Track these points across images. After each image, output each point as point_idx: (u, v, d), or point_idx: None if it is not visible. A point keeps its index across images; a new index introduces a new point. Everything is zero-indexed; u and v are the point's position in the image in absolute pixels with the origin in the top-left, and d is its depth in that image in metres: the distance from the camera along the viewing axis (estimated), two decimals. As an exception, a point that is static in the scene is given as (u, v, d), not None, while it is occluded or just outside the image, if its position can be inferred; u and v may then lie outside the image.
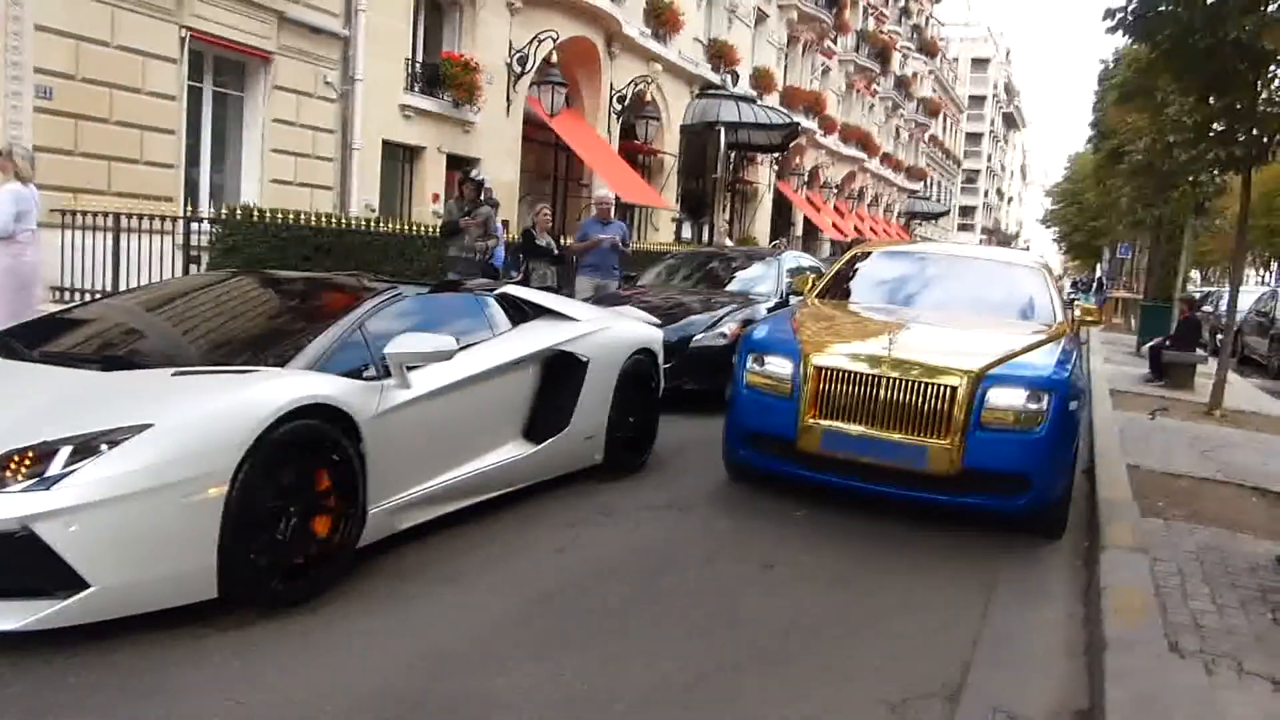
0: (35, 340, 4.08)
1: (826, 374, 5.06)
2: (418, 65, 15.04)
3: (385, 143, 14.30)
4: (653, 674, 3.15)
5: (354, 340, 4.06)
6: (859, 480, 5.00)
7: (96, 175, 10.19)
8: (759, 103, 24.36)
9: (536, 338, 5.16)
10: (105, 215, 9.61)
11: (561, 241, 11.21)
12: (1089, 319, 7.07)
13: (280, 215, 10.24)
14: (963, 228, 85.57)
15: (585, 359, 5.31)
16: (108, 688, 2.80)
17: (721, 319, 8.48)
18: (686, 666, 3.22)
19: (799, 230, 33.72)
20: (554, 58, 16.70)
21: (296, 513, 3.49)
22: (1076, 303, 14.57)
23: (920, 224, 51.83)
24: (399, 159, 15.07)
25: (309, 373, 3.73)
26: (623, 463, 5.71)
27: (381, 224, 11.91)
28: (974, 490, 4.84)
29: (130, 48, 10.38)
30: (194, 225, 10.14)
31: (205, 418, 3.23)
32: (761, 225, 29.25)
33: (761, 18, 28.02)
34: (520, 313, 5.35)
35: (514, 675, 3.06)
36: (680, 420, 7.49)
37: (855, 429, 4.94)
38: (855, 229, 35.27)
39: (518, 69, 16.61)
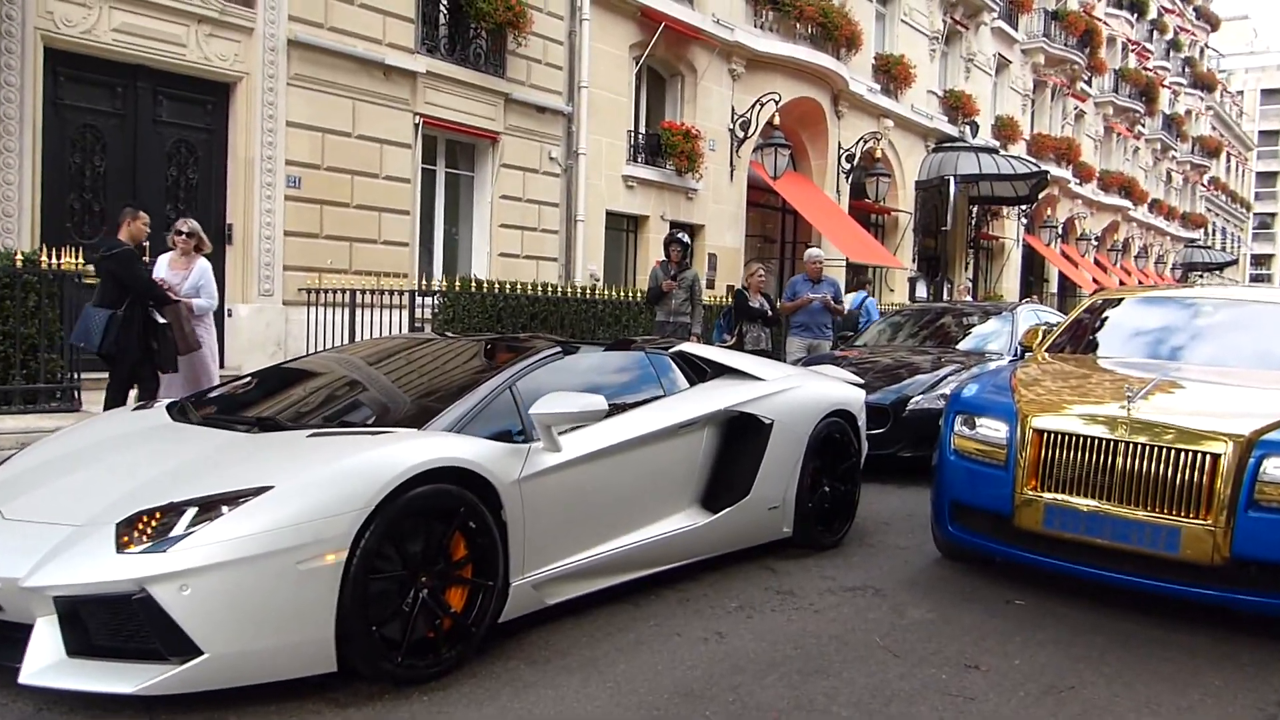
0: (206, 404, 4.19)
1: (1050, 439, 4.31)
2: (640, 136, 15.29)
3: (608, 213, 14.56)
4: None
5: (502, 401, 3.85)
6: (1091, 566, 4.18)
7: (339, 255, 10.95)
8: (1002, 153, 22.95)
9: (713, 398, 4.77)
10: (343, 292, 10.27)
11: (776, 303, 10.81)
12: None
13: (497, 285, 10.54)
14: (1256, 278, 76.58)
15: (768, 421, 4.85)
16: (201, 767, 2.65)
17: (944, 379, 7.72)
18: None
19: (1054, 287, 31.30)
20: (777, 120, 16.48)
21: (427, 584, 3.27)
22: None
23: (1201, 276, 46.79)
24: (622, 228, 15.30)
25: (445, 434, 3.54)
26: (815, 538, 5.16)
27: (598, 292, 12.02)
28: (1246, 585, 3.90)
29: (369, 136, 11.18)
30: (421, 298, 10.63)
31: (325, 480, 3.08)
32: (1010, 283, 27.36)
33: (1003, 65, 26.59)
34: (698, 371, 5.00)
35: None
36: (893, 490, 6.83)
37: (1086, 504, 4.16)
38: (1120, 284, 32.28)
39: (740, 134, 16.53)
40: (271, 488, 3.01)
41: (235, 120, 10.15)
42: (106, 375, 7.31)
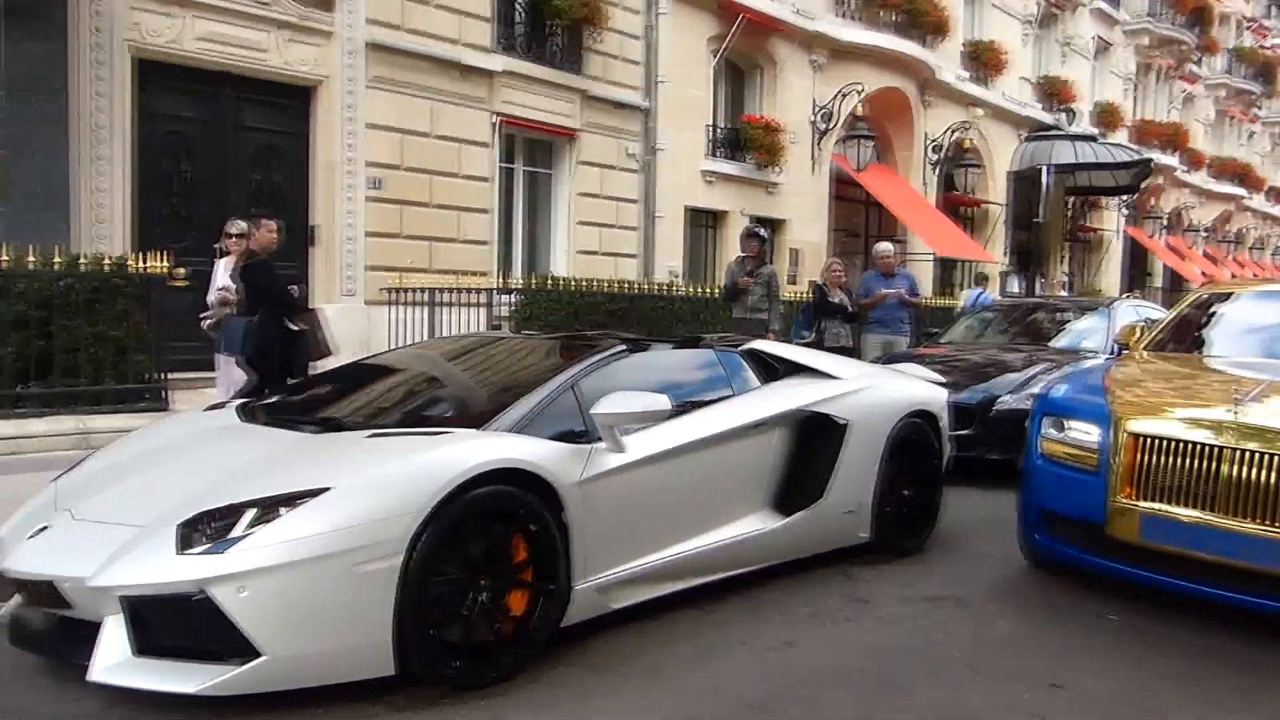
0: (275, 403, 4.22)
1: (1147, 443, 4.03)
2: (719, 130, 15.12)
3: (688, 209, 14.45)
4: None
5: (564, 401, 3.77)
6: (1191, 581, 3.89)
7: (419, 255, 11.08)
8: (1102, 140, 22.04)
9: (786, 397, 4.62)
10: (423, 291, 10.37)
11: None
12: None
13: (574, 283, 10.52)
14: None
15: (844, 421, 4.67)
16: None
17: (1034, 378, 7.37)
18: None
19: (1159, 281, 29.95)
20: (861, 111, 16.13)
21: (487, 587, 3.22)
22: None
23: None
24: (702, 224, 15.17)
25: (505, 435, 3.48)
26: (894, 543, 4.96)
27: (677, 289, 11.91)
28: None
29: (448, 136, 11.28)
30: (500, 296, 10.68)
31: (383, 482, 3.05)
32: (1110, 277, 26.29)
33: (1103, 47, 25.54)
34: (770, 370, 4.85)
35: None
36: (979, 494, 6.55)
37: (1188, 515, 3.87)
38: (1232, 278, 30.71)
39: (822, 126, 16.23)
40: (329, 489, 2.99)
41: (316, 123, 10.35)
42: (192, 375, 7.54)
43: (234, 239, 7.12)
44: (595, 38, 12.71)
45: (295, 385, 4.74)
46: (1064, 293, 20.13)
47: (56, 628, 3.08)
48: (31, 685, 3.10)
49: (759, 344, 5.02)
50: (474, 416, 3.68)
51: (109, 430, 6.32)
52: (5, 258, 6.75)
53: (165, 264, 7.51)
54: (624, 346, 4.22)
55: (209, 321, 7.09)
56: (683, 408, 4.21)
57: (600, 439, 3.67)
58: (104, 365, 7.09)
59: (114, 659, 2.83)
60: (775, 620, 3.98)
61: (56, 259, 6.94)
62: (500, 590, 3.26)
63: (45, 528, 3.18)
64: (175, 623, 2.85)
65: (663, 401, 3.68)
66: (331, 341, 7.04)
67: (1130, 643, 3.87)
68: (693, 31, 14.15)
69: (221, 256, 7.31)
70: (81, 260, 7.08)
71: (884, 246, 9.99)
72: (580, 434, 3.70)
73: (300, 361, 6.70)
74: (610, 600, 3.68)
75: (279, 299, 6.72)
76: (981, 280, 14.34)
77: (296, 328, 6.77)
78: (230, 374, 7.02)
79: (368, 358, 5.38)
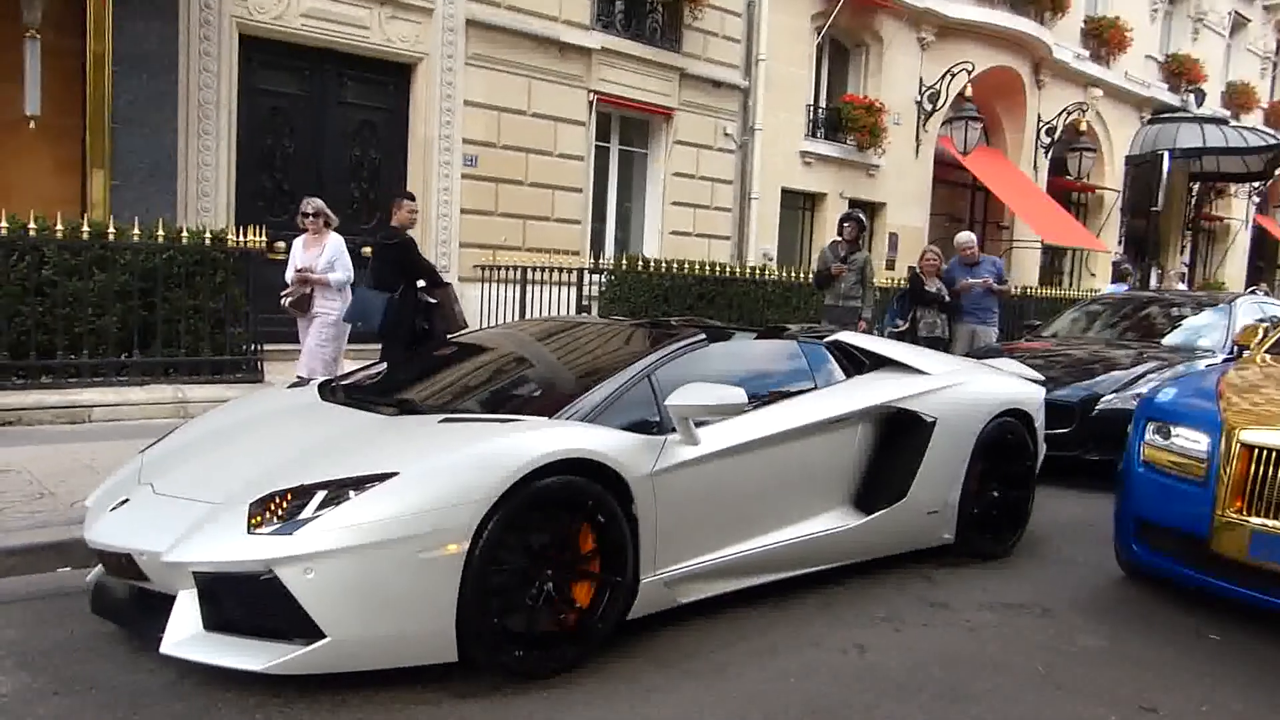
0: (356, 383, 4.27)
1: (1262, 455, 3.77)
2: (819, 111, 14.78)
3: (784, 191, 14.19)
4: None
5: (639, 390, 3.71)
6: (1302, 603, 3.63)
7: (512, 233, 11.15)
8: (1233, 123, 20.77)
9: (871, 392, 4.47)
10: (515, 269, 10.44)
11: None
12: None
13: (664, 265, 10.43)
14: None
15: (931, 419, 4.50)
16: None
17: (1141, 377, 7.01)
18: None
19: (1288, 273, 28.24)
20: (969, 91, 15.54)
21: (553, 577, 3.19)
22: None
23: None
24: (798, 206, 14.88)
25: (575, 424, 3.43)
26: (980, 546, 4.77)
27: (770, 273, 11.72)
28: None
29: (544, 114, 11.30)
30: (590, 276, 10.68)
31: (449, 469, 3.04)
32: (1233, 268, 24.87)
33: (1239, 24, 24.01)
34: (855, 363, 4.70)
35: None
36: (1076, 497, 6.29)
37: (1301, 532, 3.61)
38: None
39: (928, 107, 15.71)
40: (397, 474, 2.99)
41: (415, 100, 10.49)
42: (289, 347, 7.73)
43: (310, 218, 7.18)
44: (695, 14, 12.54)
45: (389, 365, 4.76)
46: (1181, 285, 19.12)
47: (134, 599, 3.17)
48: (109, 654, 3.20)
49: (845, 336, 4.86)
50: (547, 404, 3.65)
51: (205, 400, 6.55)
52: (110, 230, 7.01)
53: (263, 238, 7.72)
54: (703, 336, 4.13)
55: (289, 300, 7.18)
56: (762, 400, 4.12)
57: (674, 430, 3.60)
58: (202, 336, 7.33)
59: (185, 633, 2.89)
60: (848, 621, 3.85)
61: (159, 232, 7.18)
62: (565, 581, 3.23)
63: (126, 500, 3.27)
64: (244, 601, 2.89)
65: (738, 394, 3.58)
66: (463, 316, 7.28)
67: (1232, 666, 3.62)
68: (795, 8, 13.83)
69: (301, 235, 7.39)
70: (183, 233, 7.31)
71: (965, 236, 9.60)
72: (654, 425, 3.64)
73: (439, 334, 6.83)
74: (678, 594, 3.62)
75: (424, 274, 7.11)
76: (1125, 276, 13.58)
77: (434, 301, 7.05)
78: (318, 354, 7.13)
79: (454, 337, 5.41)
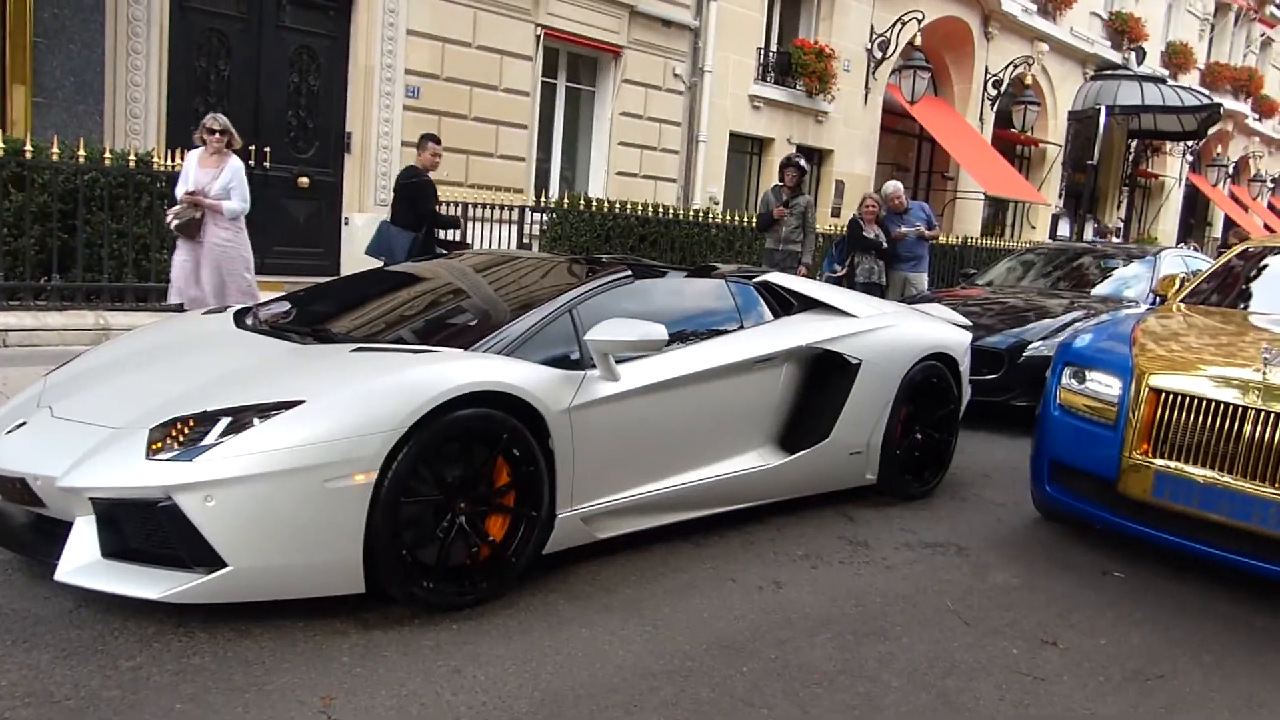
0: (272, 311, 4.15)
1: (1168, 399, 3.87)
2: (770, 54, 14.63)
3: (732, 134, 14.07)
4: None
5: (560, 325, 3.66)
6: (1202, 543, 3.75)
7: (455, 168, 10.90)
8: (1170, 83, 21.05)
9: (796, 333, 4.47)
10: (456, 205, 10.24)
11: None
12: None
13: (607, 205, 10.32)
14: None
15: (856, 361, 4.52)
16: (209, 674, 2.62)
17: (1068, 325, 7.13)
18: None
19: (1217, 231, 28.91)
20: (919, 40, 15.50)
21: (466, 510, 3.16)
22: None
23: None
24: (746, 151, 14.79)
25: (492, 357, 3.38)
26: (902, 488, 4.84)
27: (714, 215, 11.66)
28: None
29: (489, 47, 11.01)
30: (532, 215, 10.53)
31: (358, 398, 2.97)
32: (1167, 224, 25.40)
33: (1183, -15, 24.26)
34: (784, 304, 4.69)
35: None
36: (1001, 441, 6.43)
37: (1203, 475, 3.72)
38: (1294, 230, 29.51)
39: (878, 55, 15.63)
40: (303, 402, 2.92)
41: (357, 28, 10.14)
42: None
43: (216, 135, 6.49)
44: (646, -51, 12.28)
45: (307, 292, 4.64)
46: (1115, 239, 19.45)
47: (32, 525, 3.07)
48: (5, 581, 3.11)
49: (773, 277, 4.85)
50: (466, 336, 3.59)
51: (128, 327, 6.34)
52: (28, 148, 6.71)
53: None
54: (629, 273, 4.08)
55: (175, 222, 6.47)
56: (686, 338, 4.10)
57: (594, 366, 3.57)
58: (125, 262, 7.10)
59: (82, 560, 2.81)
60: (768, 559, 3.90)
61: (81, 152, 6.89)
62: (479, 514, 3.21)
63: (23, 423, 3.16)
64: (143, 528, 2.82)
65: (659, 331, 3.55)
66: None
67: (1134, 602, 3.74)
68: (748, -52, 13.60)
69: (196, 150, 6.68)
70: (106, 155, 7.03)
71: (892, 185, 9.57)
72: (574, 360, 3.60)
73: None
74: (596, 530, 3.62)
75: (432, 218, 7.60)
76: (1107, 233, 13.66)
77: (456, 241, 7.71)
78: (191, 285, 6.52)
79: (376, 270, 5.30)
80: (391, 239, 7.23)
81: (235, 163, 6.58)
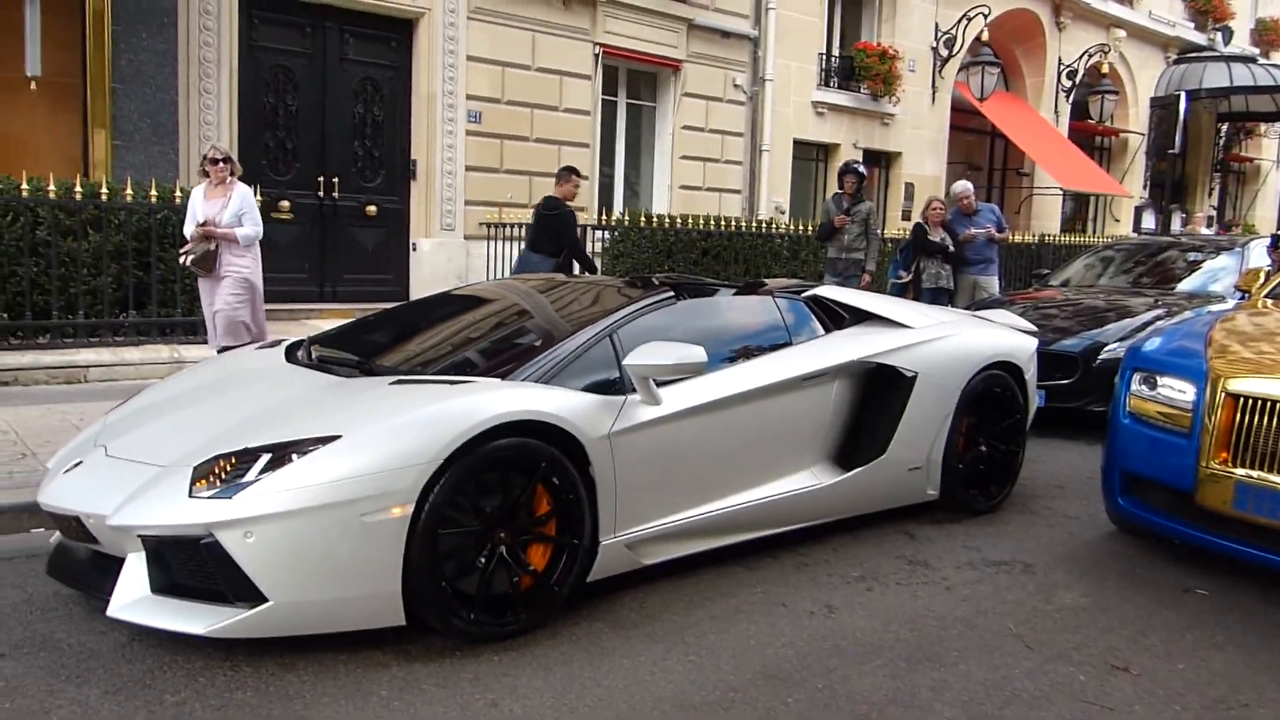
0: (324, 343, 4.22)
1: (1248, 405, 3.65)
2: (831, 59, 14.44)
3: (796, 142, 13.92)
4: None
5: (600, 350, 3.63)
6: (1289, 557, 3.52)
7: (518, 190, 11.02)
8: (1261, 61, 20.11)
9: (847, 347, 4.36)
10: (520, 226, 10.32)
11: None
12: None
13: (668, 220, 10.28)
14: None
15: (911, 374, 4.39)
16: (250, 709, 2.65)
17: (1149, 324, 6.83)
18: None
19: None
20: (986, 35, 15.11)
21: (506, 540, 3.14)
22: None
23: None
24: (811, 158, 14.61)
25: (530, 385, 3.37)
26: (967, 502, 4.67)
27: (777, 225, 11.53)
28: None
29: (549, 69, 11.11)
30: (595, 233, 10.55)
31: (394, 432, 2.98)
32: (1266, 211, 24.23)
33: (1272, -42, 23.16)
34: (834, 318, 4.59)
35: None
36: (1076, 448, 6.19)
37: (1289, 484, 3.49)
38: None
39: (944, 53, 15.29)
40: (339, 437, 2.95)
41: (418, 57, 10.33)
42: (293, 306, 7.69)
43: (219, 165, 6.36)
44: (701, -37, 12.25)
45: (358, 322, 4.71)
46: (1206, 230, 18.62)
47: (92, 561, 3.17)
48: (65, 616, 3.21)
49: (824, 290, 4.74)
50: (504, 364, 3.58)
51: (201, 360, 6.53)
52: (104, 190, 6.99)
53: (258, 197, 7.62)
54: (670, 294, 4.03)
55: (190, 259, 6.35)
56: (732, 357, 4.04)
57: (635, 390, 3.53)
58: (196, 296, 7.29)
59: (132, 596, 2.88)
60: (821, 582, 3.79)
61: (153, 192, 7.15)
62: (520, 543, 3.19)
63: (79, 463, 3.26)
64: (189, 564, 2.88)
65: (698, 353, 3.49)
66: None
67: (1215, 623, 3.53)
68: (805, -47, 13.46)
69: (200, 185, 6.58)
70: (176, 193, 7.27)
71: (962, 185, 9.28)
72: (615, 385, 3.57)
73: None
74: (642, 556, 3.57)
75: (571, 249, 7.97)
76: (1186, 221, 13.09)
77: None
78: (233, 317, 6.40)
79: (425, 298, 5.34)
80: (531, 266, 7.63)
81: (242, 189, 6.47)
